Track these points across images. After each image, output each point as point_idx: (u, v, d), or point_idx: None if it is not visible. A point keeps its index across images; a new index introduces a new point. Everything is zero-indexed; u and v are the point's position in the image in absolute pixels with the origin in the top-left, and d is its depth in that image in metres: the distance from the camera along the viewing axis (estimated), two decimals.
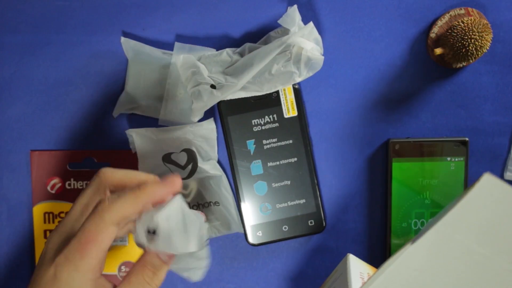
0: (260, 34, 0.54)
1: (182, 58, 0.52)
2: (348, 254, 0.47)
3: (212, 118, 0.55)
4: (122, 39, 0.53)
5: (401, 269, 0.38)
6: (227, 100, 0.54)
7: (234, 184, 0.55)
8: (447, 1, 0.54)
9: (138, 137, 0.54)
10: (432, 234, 0.39)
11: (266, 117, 0.54)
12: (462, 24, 0.51)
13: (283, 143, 0.54)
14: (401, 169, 0.55)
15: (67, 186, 0.55)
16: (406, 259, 0.39)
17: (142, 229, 0.40)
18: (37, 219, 0.55)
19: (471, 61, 0.54)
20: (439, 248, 0.39)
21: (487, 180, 0.41)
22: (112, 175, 0.41)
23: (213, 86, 0.52)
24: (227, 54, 0.52)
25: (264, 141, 0.54)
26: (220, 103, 0.54)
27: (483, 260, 0.39)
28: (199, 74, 0.52)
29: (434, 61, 0.55)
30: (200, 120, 0.54)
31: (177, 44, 0.53)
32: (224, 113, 0.54)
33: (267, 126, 0.54)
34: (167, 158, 0.54)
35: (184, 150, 0.54)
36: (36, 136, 0.56)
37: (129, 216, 0.39)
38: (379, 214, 0.56)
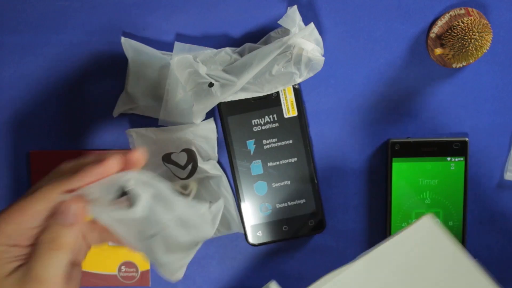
0: (260, 34, 0.54)
1: (177, 60, 0.52)
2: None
3: (212, 118, 0.55)
4: (122, 39, 0.53)
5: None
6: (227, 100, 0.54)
7: (234, 184, 0.55)
8: (447, 1, 0.54)
9: (138, 137, 0.54)
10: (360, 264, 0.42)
11: (266, 117, 0.54)
12: (462, 24, 0.51)
13: (283, 143, 0.54)
14: (401, 169, 0.55)
15: None
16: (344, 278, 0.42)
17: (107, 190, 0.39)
18: None
19: (471, 61, 0.54)
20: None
21: (426, 222, 0.43)
22: (68, 163, 0.42)
23: (211, 84, 0.52)
24: (226, 53, 0.52)
25: (264, 141, 0.54)
26: (220, 103, 0.54)
27: None
28: (196, 73, 0.52)
29: (434, 61, 0.55)
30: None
31: (177, 44, 0.53)
32: (224, 113, 0.54)
33: (267, 126, 0.54)
34: (167, 158, 0.54)
35: (184, 150, 0.54)
36: (36, 136, 0.56)
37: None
38: (379, 214, 0.56)
